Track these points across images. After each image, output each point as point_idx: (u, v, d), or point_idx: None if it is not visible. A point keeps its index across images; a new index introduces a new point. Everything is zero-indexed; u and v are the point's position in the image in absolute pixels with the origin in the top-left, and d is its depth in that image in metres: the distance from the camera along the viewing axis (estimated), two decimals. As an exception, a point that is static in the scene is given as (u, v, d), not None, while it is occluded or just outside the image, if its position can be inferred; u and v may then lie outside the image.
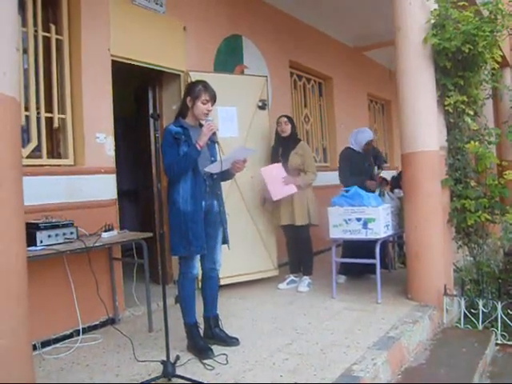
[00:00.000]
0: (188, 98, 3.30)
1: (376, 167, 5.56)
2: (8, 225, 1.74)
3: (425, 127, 4.25)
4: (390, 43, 4.71)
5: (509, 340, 4.00)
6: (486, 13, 4.33)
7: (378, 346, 3.30)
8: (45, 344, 3.54)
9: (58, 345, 3.61)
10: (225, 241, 3.46)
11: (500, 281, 4.27)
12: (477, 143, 4.25)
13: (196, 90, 3.27)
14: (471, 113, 4.39)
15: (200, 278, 3.56)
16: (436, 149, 4.30)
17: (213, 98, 3.31)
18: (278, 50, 6.68)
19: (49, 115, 3.96)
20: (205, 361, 3.10)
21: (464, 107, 4.34)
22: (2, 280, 1.69)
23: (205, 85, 3.30)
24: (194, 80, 3.84)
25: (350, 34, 8.38)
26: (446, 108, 4.33)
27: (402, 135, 4.42)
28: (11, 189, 1.77)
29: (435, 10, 4.22)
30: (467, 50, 4.04)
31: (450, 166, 4.44)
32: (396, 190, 5.65)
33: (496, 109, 7.99)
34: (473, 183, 4.39)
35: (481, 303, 4.14)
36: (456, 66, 4.23)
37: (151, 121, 5.09)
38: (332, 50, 8.22)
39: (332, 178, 7.77)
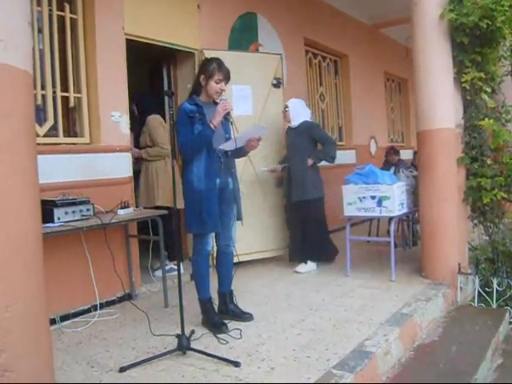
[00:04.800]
0: (202, 77, 3.29)
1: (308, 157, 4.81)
2: (24, 199, 1.77)
3: (441, 104, 4.21)
4: (407, 20, 4.63)
5: (523, 318, 4.01)
6: (505, -13, 4.23)
7: (391, 322, 3.32)
8: (64, 318, 3.64)
9: (76, 319, 3.70)
10: (239, 217, 3.48)
11: (515, 260, 4.26)
12: (491, 120, 4.19)
13: (210, 68, 3.26)
14: (488, 90, 4.32)
15: (215, 254, 3.61)
16: (452, 126, 4.25)
17: (226, 77, 3.30)
18: (293, 27, 6.61)
19: (65, 94, 4.00)
20: (219, 335, 3.16)
21: (481, 84, 4.27)
22: (17, 253, 1.73)
23: (219, 63, 3.29)
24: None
25: (367, 11, 8.27)
26: (463, 85, 4.27)
27: (417, 112, 4.38)
28: (25, 164, 1.79)
29: (453, -16, 4.14)
30: (485, 26, 3.97)
31: (466, 144, 4.39)
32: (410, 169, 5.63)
33: (515, 86, 7.83)
34: (489, 161, 4.34)
35: (495, 282, 4.13)
36: (473, 41, 4.16)
37: (166, 98, 5.10)
38: (348, 28, 8.11)
39: (347, 156, 7.79)
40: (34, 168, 1.86)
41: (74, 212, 3.43)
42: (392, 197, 4.25)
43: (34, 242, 1.81)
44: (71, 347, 3.14)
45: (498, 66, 4.53)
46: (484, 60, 4.25)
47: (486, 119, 4.21)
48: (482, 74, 4.22)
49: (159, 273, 4.47)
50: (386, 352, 2.96)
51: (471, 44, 4.17)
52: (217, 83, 3.26)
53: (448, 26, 4.16)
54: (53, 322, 3.52)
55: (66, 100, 4.02)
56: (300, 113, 4.89)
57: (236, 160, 3.54)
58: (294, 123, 4.89)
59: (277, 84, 5.35)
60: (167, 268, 4.54)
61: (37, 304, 1.80)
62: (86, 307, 3.83)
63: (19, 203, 1.75)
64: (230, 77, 3.33)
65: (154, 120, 4.82)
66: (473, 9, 3.97)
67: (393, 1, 7.15)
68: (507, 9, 3.96)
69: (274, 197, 5.31)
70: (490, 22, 3.97)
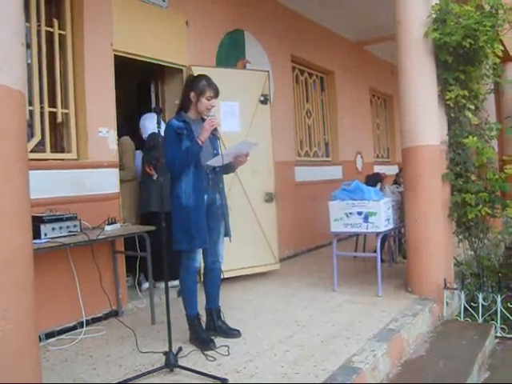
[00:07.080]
0: (192, 94, 3.30)
1: None
2: (15, 216, 1.78)
3: (425, 121, 4.27)
4: (392, 37, 4.72)
5: (508, 333, 4.05)
6: (487, 7, 4.34)
7: (378, 337, 3.33)
8: (49, 335, 3.59)
9: (62, 336, 3.65)
10: (227, 233, 3.49)
11: (500, 274, 4.30)
12: (475, 138, 4.27)
13: (200, 85, 3.28)
14: (472, 107, 4.41)
15: (202, 270, 3.60)
16: (437, 143, 4.32)
17: (216, 94, 3.33)
18: (279, 44, 6.69)
19: (52, 110, 3.99)
20: (206, 352, 3.14)
21: (465, 102, 4.36)
22: (9, 270, 1.73)
23: (208, 80, 3.32)
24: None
25: (352, 28, 8.38)
26: (447, 102, 4.35)
27: (402, 129, 4.44)
28: (18, 181, 1.81)
29: (436, 4, 4.23)
30: (468, 45, 4.06)
31: (450, 160, 4.46)
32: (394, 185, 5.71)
33: (498, 103, 8.00)
34: (473, 177, 4.41)
35: (481, 297, 4.17)
36: (457, 60, 4.24)
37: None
38: (334, 45, 8.23)
39: (334, 172, 7.84)
40: (26, 185, 1.87)
41: (60, 228, 3.40)
42: (378, 213, 4.28)
43: (25, 260, 1.81)
44: (57, 365, 3.10)
45: (481, 84, 4.63)
46: (467, 78, 4.34)
47: (470, 136, 4.29)
48: (466, 92, 4.32)
49: (146, 285, 4.47)
50: (373, 368, 2.97)
51: (455, 62, 4.25)
52: (208, 100, 3.29)
53: (432, 45, 4.25)
54: (38, 339, 3.47)
55: (53, 115, 4.01)
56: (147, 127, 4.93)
57: (224, 176, 3.55)
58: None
59: (264, 100, 5.39)
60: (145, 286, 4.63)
61: (28, 322, 1.79)
62: (71, 324, 3.78)
63: (11, 219, 1.75)
64: (218, 93, 3.36)
65: (126, 143, 4.95)
66: (456, 28, 4.06)
67: (377, 18, 7.28)
68: (489, 29, 4.05)
69: (263, 211, 5.32)
70: (472, 42, 4.07)
